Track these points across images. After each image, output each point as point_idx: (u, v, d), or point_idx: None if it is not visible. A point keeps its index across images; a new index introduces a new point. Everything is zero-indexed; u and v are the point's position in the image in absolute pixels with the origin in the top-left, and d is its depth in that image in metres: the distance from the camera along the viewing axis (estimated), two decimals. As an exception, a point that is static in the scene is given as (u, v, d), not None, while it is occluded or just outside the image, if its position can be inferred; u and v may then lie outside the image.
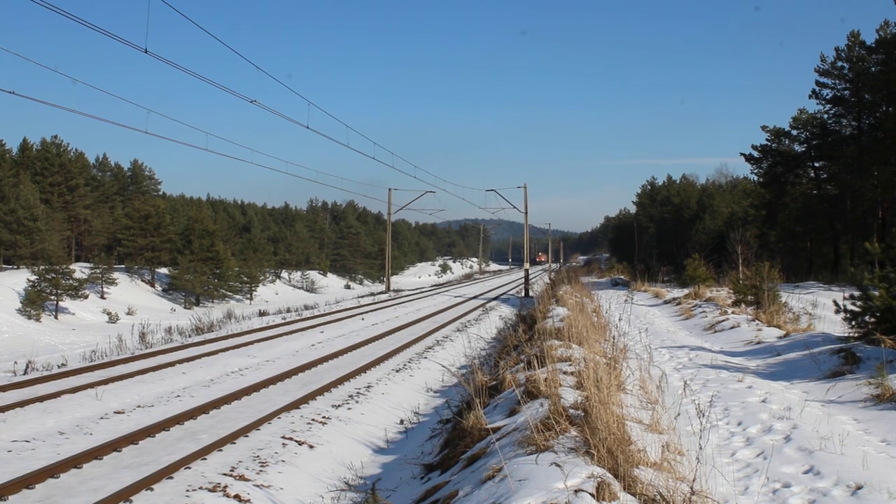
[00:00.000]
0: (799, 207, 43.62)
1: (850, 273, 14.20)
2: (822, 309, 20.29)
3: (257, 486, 7.49)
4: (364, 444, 9.72)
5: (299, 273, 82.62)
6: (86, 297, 43.03)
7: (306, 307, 35.91)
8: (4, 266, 47.76)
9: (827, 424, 7.38)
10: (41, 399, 11.38)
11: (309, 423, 10.06)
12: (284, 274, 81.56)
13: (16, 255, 47.13)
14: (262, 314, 31.83)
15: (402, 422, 11.02)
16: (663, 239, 61.51)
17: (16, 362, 18.95)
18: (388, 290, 51.04)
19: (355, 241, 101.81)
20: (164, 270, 57.22)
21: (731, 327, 17.35)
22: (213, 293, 56.65)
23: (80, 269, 45.68)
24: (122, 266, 54.48)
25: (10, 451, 8.55)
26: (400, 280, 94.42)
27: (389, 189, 51.37)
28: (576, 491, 4.38)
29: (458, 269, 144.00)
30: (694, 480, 4.59)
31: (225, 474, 7.70)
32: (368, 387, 13.02)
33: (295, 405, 11.14)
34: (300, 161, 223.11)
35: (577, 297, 21.38)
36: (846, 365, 10.37)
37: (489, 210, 56.38)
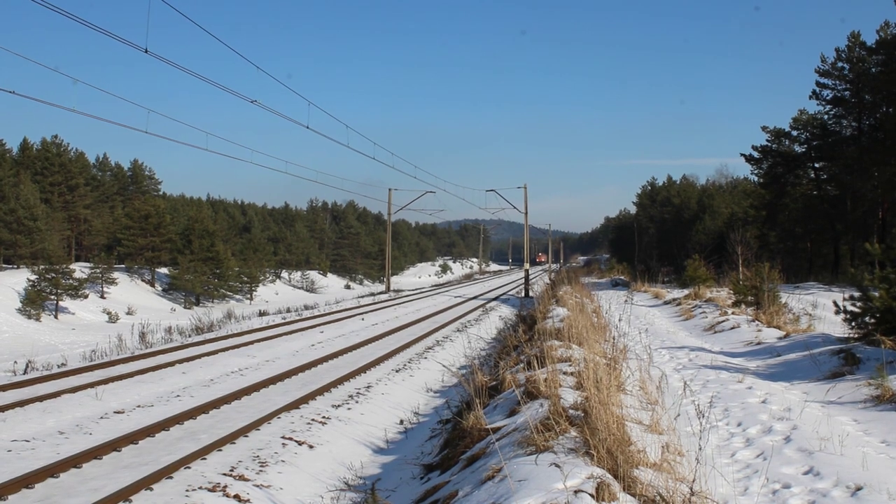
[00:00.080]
0: (799, 208, 43.61)
1: (851, 274, 14.18)
2: (822, 310, 20.31)
3: (257, 486, 7.49)
4: (364, 444, 9.72)
5: (299, 273, 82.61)
6: (86, 296, 43.04)
7: (306, 307, 35.91)
8: (4, 266, 47.78)
9: (827, 425, 7.38)
10: (41, 399, 11.38)
11: (309, 423, 10.06)
12: (284, 274, 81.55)
13: (16, 254, 47.14)
14: (262, 314, 31.84)
15: (401, 422, 11.02)
16: (663, 239, 61.51)
17: (16, 362, 18.94)
18: (388, 290, 51.07)
19: (355, 242, 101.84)
20: (164, 270, 57.24)
21: (731, 328, 17.35)
22: (213, 293, 56.66)
23: (80, 269, 45.67)
24: (122, 266, 54.49)
25: (9, 451, 8.56)
26: (400, 280, 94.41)
27: (389, 189, 51.50)
28: (575, 491, 4.38)
29: (458, 269, 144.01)
30: (694, 481, 4.59)
31: (225, 474, 7.70)
32: (368, 387, 13.02)
33: (295, 405, 11.14)
34: (300, 161, 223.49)
35: (577, 297, 21.38)
36: (846, 366, 10.37)
37: (489, 210, 56.63)
